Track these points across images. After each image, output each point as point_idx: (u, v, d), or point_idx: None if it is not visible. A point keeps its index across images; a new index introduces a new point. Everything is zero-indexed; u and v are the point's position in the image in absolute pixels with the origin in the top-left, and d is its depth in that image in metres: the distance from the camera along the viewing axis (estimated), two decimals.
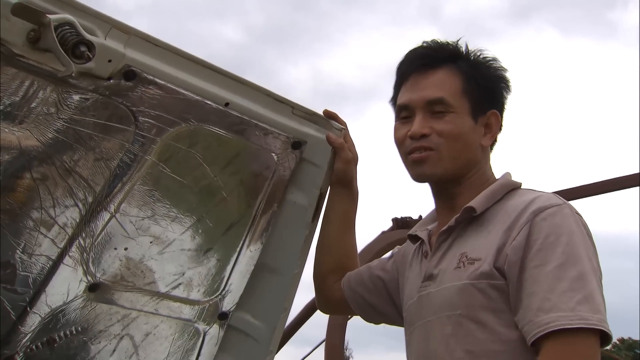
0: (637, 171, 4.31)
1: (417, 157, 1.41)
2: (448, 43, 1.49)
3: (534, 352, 1.20)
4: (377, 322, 1.69)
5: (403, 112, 1.46)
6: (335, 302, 1.70)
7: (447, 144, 1.40)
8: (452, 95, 1.42)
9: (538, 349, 1.19)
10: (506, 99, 1.50)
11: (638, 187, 4.34)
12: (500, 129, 1.49)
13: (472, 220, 1.38)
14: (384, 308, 1.62)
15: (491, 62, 1.49)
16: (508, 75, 1.50)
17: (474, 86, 1.43)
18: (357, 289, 1.64)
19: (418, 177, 1.45)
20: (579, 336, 1.16)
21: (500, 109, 1.48)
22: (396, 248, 1.68)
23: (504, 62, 1.49)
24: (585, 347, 1.16)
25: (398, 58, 1.52)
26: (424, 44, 1.50)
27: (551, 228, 1.25)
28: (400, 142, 1.46)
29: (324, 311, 1.91)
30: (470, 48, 1.49)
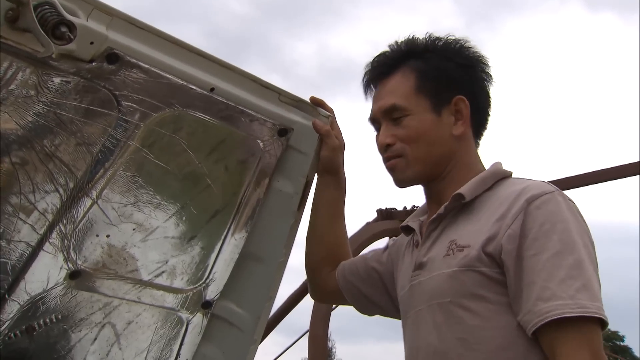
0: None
1: (389, 165, 1.46)
2: (404, 42, 1.49)
3: (533, 341, 1.20)
4: (371, 314, 1.68)
5: (374, 125, 1.51)
6: (329, 291, 1.70)
7: (410, 147, 1.42)
8: (405, 98, 1.42)
9: (539, 338, 1.19)
10: (476, 78, 1.46)
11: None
12: (486, 109, 1.47)
13: (461, 208, 1.38)
14: (379, 299, 1.61)
15: (450, 47, 1.46)
16: (475, 52, 1.46)
17: (427, 81, 1.43)
18: (351, 280, 1.63)
19: (396, 184, 1.48)
20: (585, 325, 1.16)
21: (469, 91, 1.44)
22: (391, 240, 1.67)
23: (470, 42, 1.46)
24: (590, 335, 1.17)
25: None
26: (385, 51, 1.50)
27: (546, 216, 1.24)
28: (379, 152, 1.49)
29: (318, 300, 1.93)
30: (432, 37, 1.47)
